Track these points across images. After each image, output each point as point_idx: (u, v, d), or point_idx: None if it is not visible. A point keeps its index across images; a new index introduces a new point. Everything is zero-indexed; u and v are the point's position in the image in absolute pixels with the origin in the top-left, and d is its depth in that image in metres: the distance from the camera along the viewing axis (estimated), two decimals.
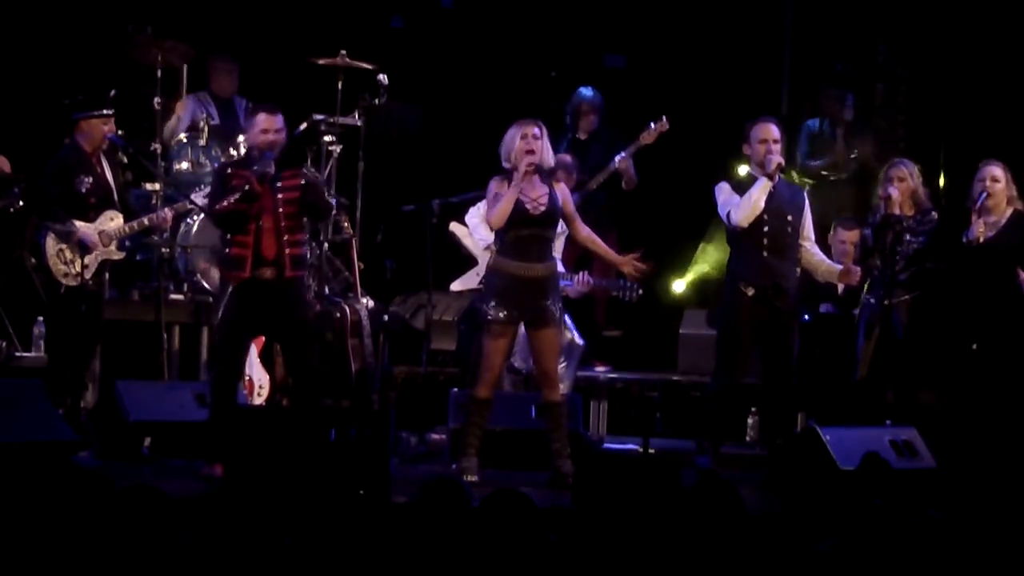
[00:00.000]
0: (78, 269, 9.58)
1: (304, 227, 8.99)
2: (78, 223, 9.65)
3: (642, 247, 9.44)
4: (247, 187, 8.63)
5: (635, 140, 11.09)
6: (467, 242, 10.21)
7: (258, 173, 8.64)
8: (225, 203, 8.66)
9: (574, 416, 9.53)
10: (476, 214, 10.01)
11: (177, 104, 11.59)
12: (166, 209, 9.98)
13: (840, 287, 10.34)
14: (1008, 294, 9.87)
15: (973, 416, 9.54)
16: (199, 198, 10.22)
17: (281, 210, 8.70)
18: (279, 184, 8.72)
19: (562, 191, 9.01)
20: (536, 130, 8.86)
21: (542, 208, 8.87)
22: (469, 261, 10.27)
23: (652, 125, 11.06)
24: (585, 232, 9.12)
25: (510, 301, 8.86)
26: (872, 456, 7.48)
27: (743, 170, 9.72)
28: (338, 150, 11.06)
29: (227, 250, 8.79)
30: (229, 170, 8.91)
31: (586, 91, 11.65)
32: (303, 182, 8.84)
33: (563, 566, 5.61)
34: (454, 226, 10.30)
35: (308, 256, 9.46)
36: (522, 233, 8.85)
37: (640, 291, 10.34)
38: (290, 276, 8.75)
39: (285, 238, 8.70)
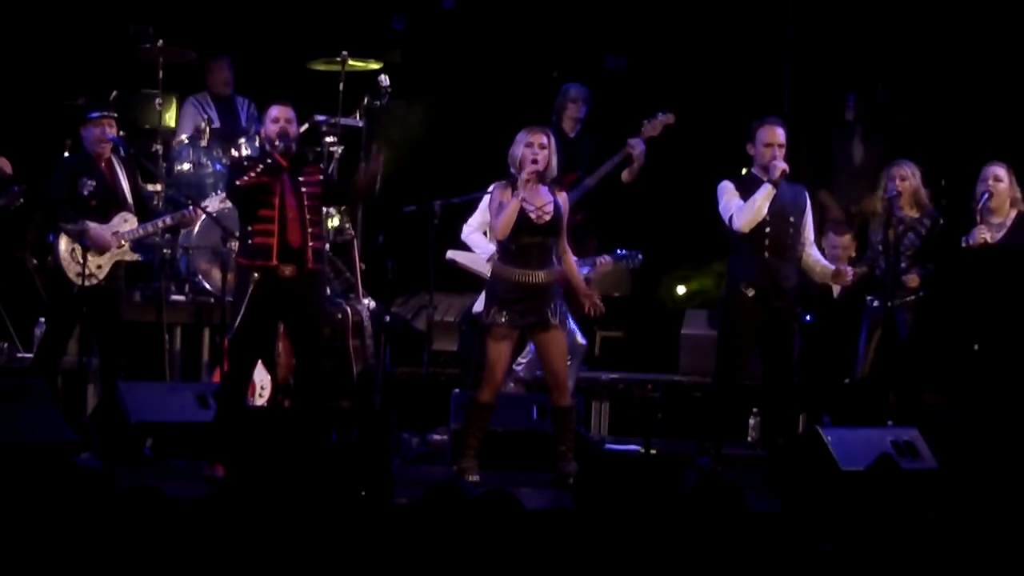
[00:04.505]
0: (92, 269, 9.60)
1: (324, 223, 9.04)
2: (90, 223, 9.66)
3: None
4: (269, 160, 8.73)
5: (639, 132, 10.84)
6: (471, 265, 10.12)
7: (280, 148, 8.72)
8: (246, 177, 8.72)
9: (576, 417, 9.53)
10: (469, 229, 9.94)
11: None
12: (190, 207, 9.97)
13: (836, 289, 10.35)
14: (1020, 296, 9.87)
15: (976, 417, 9.54)
16: (214, 202, 10.23)
17: (307, 203, 8.76)
18: (301, 179, 8.79)
19: (564, 201, 9.00)
20: (544, 139, 8.87)
21: (547, 217, 8.87)
22: (476, 278, 10.17)
23: (658, 116, 10.80)
24: (565, 252, 9.05)
25: (512, 307, 8.87)
26: (886, 457, 7.47)
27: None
28: (339, 151, 11.07)
29: (248, 241, 8.79)
30: (246, 163, 9.04)
31: (572, 87, 11.24)
32: (322, 178, 8.92)
33: (565, 567, 5.61)
34: (452, 254, 10.21)
35: (326, 252, 9.51)
36: (525, 241, 8.86)
37: (640, 258, 10.30)
38: (311, 269, 8.79)
39: (309, 230, 8.75)
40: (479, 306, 9.90)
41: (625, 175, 10.87)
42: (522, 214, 8.81)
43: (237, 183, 8.77)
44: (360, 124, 11.04)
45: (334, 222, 10.94)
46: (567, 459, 8.92)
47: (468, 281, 10.32)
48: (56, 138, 10.59)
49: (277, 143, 8.76)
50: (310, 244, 8.76)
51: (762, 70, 12.42)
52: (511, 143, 8.93)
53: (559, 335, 8.97)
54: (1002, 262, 9.84)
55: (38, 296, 10.50)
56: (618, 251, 10.22)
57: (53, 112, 10.82)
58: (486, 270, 9.61)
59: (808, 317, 10.51)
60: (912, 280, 9.97)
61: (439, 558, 5.58)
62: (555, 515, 7.63)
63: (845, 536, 5.68)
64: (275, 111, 8.86)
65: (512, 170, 8.90)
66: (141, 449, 9.42)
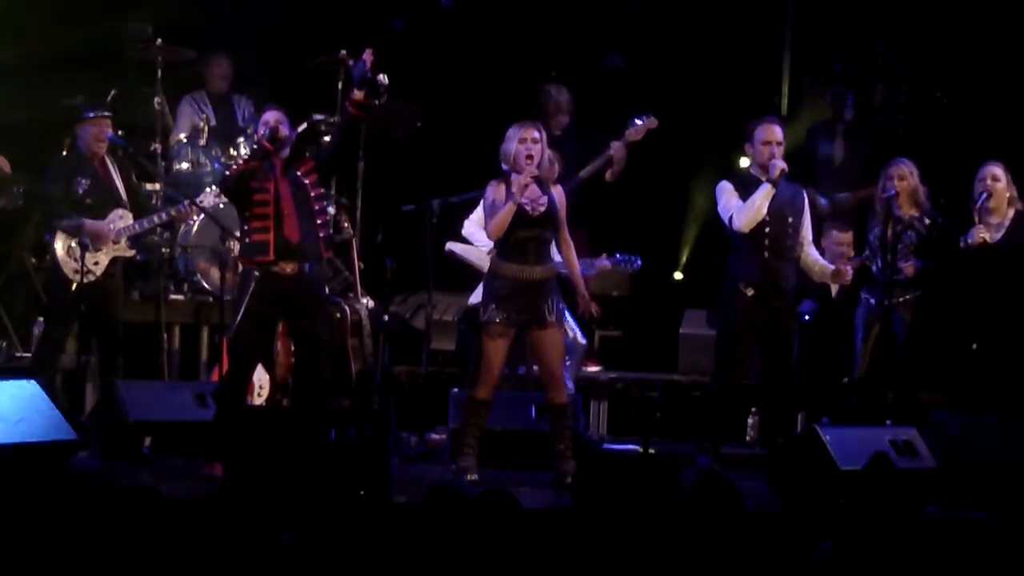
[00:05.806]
0: (89, 265, 9.62)
1: (326, 211, 9.10)
2: (85, 220, 9.68)
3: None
4: (255, 146, 8.82)
5: (622, 134, 10.61)
6: (469, 257, 10.11)
7: (266, 135, 8.77)
8: (235, 165, 8.85)
9: (575, 416, 9.53)
10: (471, 225, 9.94)
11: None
12: (185, 202, 9.98)
13: (834, 288, 10.34)
14: (1019, 296, 9.86)
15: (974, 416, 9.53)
16: (209, 197, 10.24)
17: (310, 194, 8.78)
18: (299, 173, 8.81)
19: (559, 194, 9.00)
20: (536, 134, 8.88)
21: (541, 209, 8.87)
22: (473, 273, 10.16)
23: (638, 122, 10.56)
24: (567, 245, 9.05)
25: (509, 304, 8.87)
26: (881, 456, 7.47)
27: (744, 161, 9.71)
28: None
29: (247, 239, 8.80)
30: (239, 161, 9.20)
31: (554, 90, 11.24)
32: (314, 164, 8.93)
33: (563, 567, 5.61)
34: (451, 245, 10.20)
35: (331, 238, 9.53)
36: (521, 235, 8.86)
37: (639, 264, 10.27)
38: (318, 262, 8.82)
39: (318, 221, 8.80)
40: (475, 298, 9.91)
41: (608, 175, 10.78)
42: (517, 208, 8.80)
43: (227, 173, 8.90)
44: None
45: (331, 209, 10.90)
46: (565, 458, 8.91)
47: (467, 280, 10.32)
48: (55, 138, 10.58)
49: (264, 132, 8.82)
50: (320, 235, 8.78)
51: (760, 69, 12.42)
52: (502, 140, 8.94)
53: (555, 333, 8.96)
54: (1001, 262, 9.83)
55: (37, 296, 10.49)
56: (617, 255, 10.20)
57: (52, 112, 10.81)
58: (484, 263, 9.61)
59: (807, 317, 10.51)
60: (909, 268, 9.95)
61: (438, 557, 5.58)
62: (553, 514, 7.63)
63: (843, 535, 5.68)
64: (265, 115, 8.94)
65: (505, 167, 8.90)
66: (139, 448, 9.42)
